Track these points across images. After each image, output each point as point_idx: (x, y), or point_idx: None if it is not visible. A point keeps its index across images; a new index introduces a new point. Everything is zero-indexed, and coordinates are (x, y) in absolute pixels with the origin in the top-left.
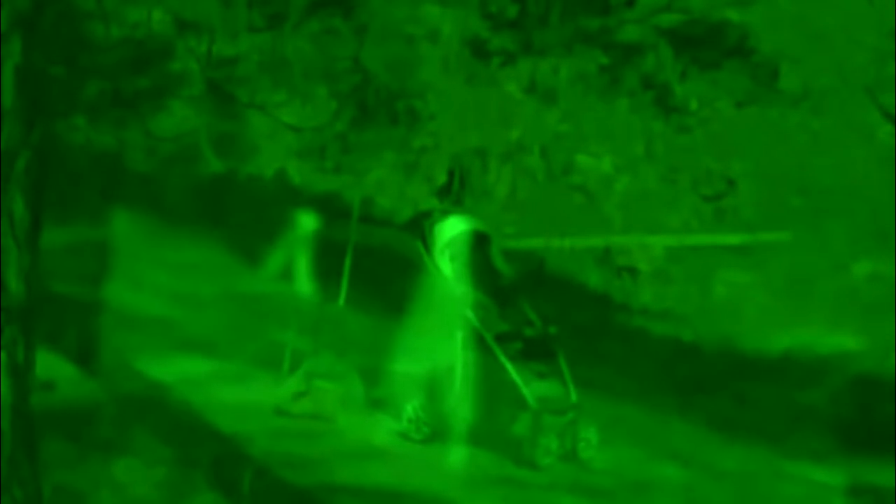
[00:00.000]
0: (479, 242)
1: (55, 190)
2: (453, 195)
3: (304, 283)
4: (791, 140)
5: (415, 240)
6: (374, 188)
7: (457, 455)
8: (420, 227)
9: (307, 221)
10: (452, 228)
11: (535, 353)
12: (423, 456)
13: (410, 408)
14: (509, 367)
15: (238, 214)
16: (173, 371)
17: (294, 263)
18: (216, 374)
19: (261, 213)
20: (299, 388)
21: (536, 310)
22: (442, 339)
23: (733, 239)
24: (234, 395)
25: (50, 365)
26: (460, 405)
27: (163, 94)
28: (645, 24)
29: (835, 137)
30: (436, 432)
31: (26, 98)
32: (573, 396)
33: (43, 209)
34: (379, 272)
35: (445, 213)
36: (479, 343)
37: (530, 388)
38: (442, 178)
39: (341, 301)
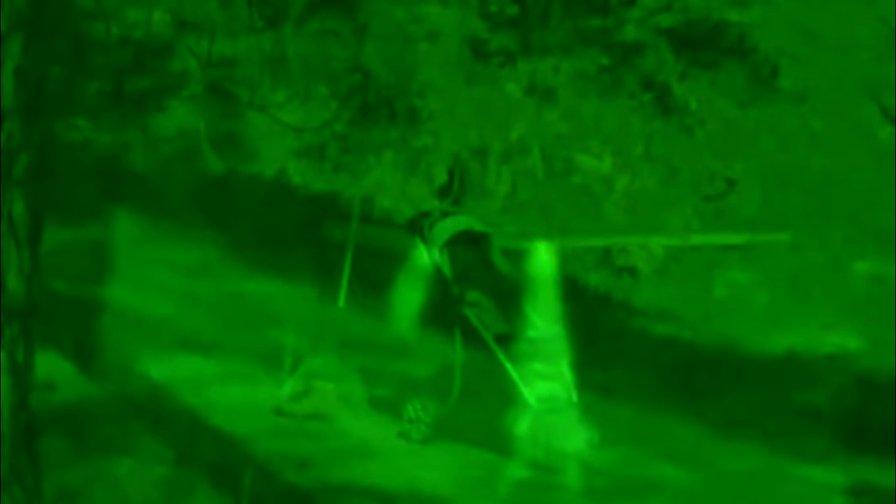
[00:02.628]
0: (479, 242)
1: (55, 190)
2: (453, 195)
3: (407, 323)
4: (791, 140)
5: (414, 239)
6: (374, 188)
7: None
8: (420, 227)
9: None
10: (452, 228)
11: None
12: (423, 456)
13: (410, 408)
14: (509, 367)
15: (238, 214)
16: (173, 371)
17: (405, 300)
18: (216, 374)
19: (261, 213)
20: (299, 388)
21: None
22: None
23: (733, 239)
24: (234, 395)
25: (50, 365)
26: (460, 405)
27: (163, 94)
28: (645, 24)
29: (835, 137)
30: (436, 432)
31: (26, 98)
32: (573, 396)
33: (43, 209)
34: (379, 272)
35: (445, 213)
36: (480, 343)
37: (530, 388)
38: (442, 178)
39: (341, 301)
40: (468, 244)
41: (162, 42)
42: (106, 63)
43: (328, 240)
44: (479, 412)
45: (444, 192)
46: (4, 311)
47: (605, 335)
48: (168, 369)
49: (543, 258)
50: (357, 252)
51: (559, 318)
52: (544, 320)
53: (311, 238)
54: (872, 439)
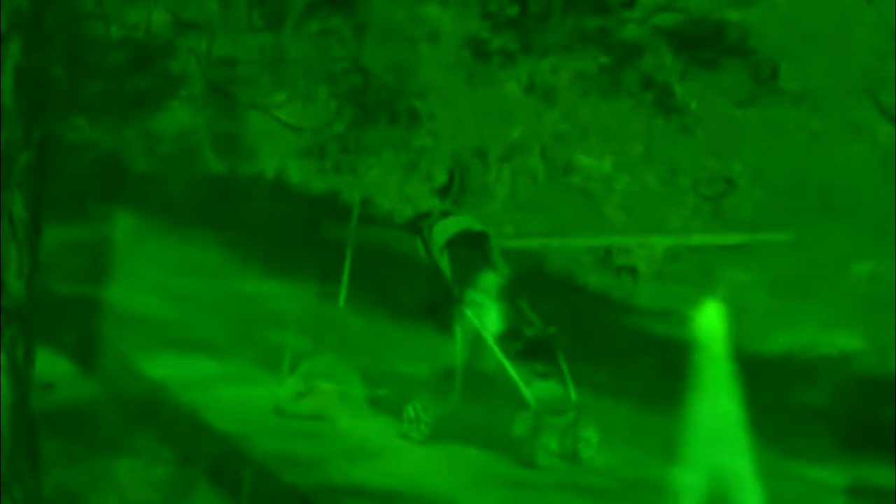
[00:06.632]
0: (479, 242)
1: (55, 190)
2: (453, 195)
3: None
4: (791, 140)
5: (414, 240)
6: (374, 188)
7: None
8: (419, 227)
9: (490, 280)
10: (452, 228)
11: (535, 352)
12: (423, 456)
13: (410, 408)
14: (509, 367)
15: (238, 214)
16: (173, 371)
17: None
18: (216, 374)
19: (261, 213)
20: (299, 388)
21: (536, 310)
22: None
23: (733, 239)
24: (234, 395)
25: (50, 365)
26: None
27: (163, 94)
28: (645, 24)
29: (835, 137)
30: (436, 432)
31: (26, 98)
32: (573, 396)
33: (43, 209)
34: (379, 272)
35: (445, 214)
36: (479, 343)
37: (530, 388)
38: (442, 178)
39: (341, 301)
40: (468, 244)
41: (162, 42)
42: (106, 63)
43: (328, 240)
44: (479, 412)
45: (444, 192)
46: (4, 311)
47: (605, 335)
48: (168, 369)
49: (711, 318)
50: (357, 252)
51: (735, 390)
52: (715, 390)
53: (311, 238)
54: (872, 439)
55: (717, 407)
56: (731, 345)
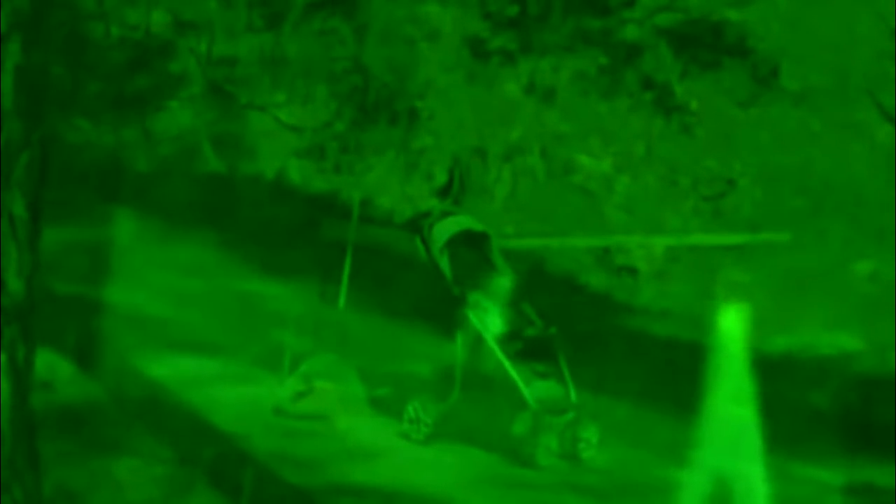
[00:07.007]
0: (479, 242)
1: (55, 190)
2: (453, 195)
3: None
4: (791, 140)
5: (414, 239)
6: (374, 188)
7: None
8: (419, 227)
9: (491, 280)
10: (452, 228)
11: (535, 353)
12: (423, 456)
13: (411, 408)
14: (509, 367)
15: (238, 214)
16: (173, 371)
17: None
18: (216, 374)
19: (261, 213)
20: (299, 388)
21: (536, 310)
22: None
23: (733, 239)
24: (234, 395)
25: (50, 365)
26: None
27: (163, 94)
28: (645, 24)
29: (835, 137)
30: (436, 432)
31: (26, 98)
32: (573, 396)
33: (43, 209)
34: (379, 272)
35: (445, 213)
36: (479, 343)
37: (530, 388)
38: (442, 178)
39: (341, 301)
40: (468, 244)
41: (162, 42)
42: (106, 63)
43: (328, 240)
44: (479, 412)
45: (444, 192)
46: (4, 311)
47: (605, 335)
48: (168, 369)
49: (731, 323)
50: (357, 252)
51: (751, 394)
52: (734, 393)
53: (311, 238)
54: (872, 439)
55: (730, 411)
56: (748, 348)
